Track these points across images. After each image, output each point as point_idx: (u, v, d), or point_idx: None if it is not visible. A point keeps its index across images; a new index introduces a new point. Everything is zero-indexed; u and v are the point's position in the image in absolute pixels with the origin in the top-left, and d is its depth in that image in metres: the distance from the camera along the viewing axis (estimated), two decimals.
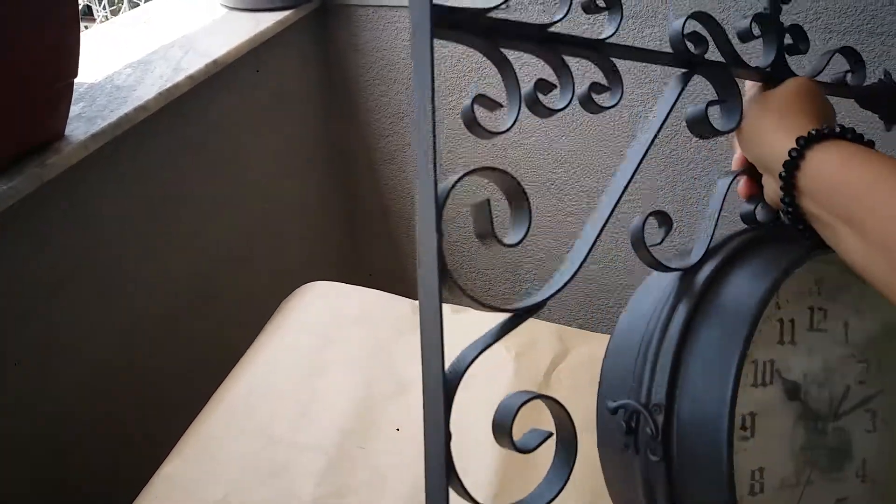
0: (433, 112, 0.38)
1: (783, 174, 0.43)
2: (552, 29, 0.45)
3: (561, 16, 0.45)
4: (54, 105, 0.83)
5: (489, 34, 0.43)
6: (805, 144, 0.42)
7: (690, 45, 0.49)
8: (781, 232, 0.47)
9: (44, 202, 0.84)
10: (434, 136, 0.38)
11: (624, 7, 0.48)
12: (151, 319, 1.05)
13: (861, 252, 0.39)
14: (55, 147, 0.83)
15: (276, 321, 0.92)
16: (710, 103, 0.48)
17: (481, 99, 0.41)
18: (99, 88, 0.95)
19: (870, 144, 0.43)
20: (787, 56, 0.53)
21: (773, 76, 0.51)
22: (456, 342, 0.65)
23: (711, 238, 0.46)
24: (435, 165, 0.38)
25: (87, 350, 0.94)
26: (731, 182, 0.50)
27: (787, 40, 0.54)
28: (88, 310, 0.94)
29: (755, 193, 0.51)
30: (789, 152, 0.42)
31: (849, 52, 0.55)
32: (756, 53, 0.51)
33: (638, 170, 0.46)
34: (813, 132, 0.42)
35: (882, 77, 0.56)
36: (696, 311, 0.41)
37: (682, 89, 0.49)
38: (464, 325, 0.77)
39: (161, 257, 1.06)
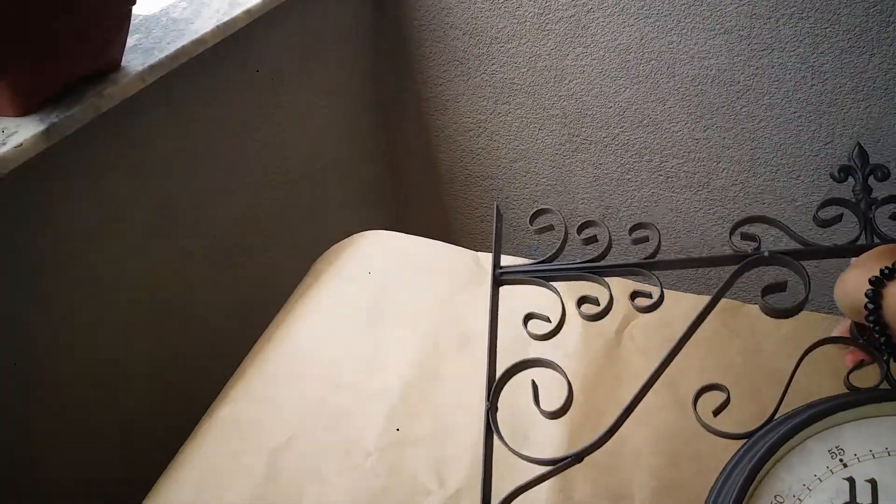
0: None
1: (869, 317, 0.45)
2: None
3: (599, 253, 0.58)
4: (113, 33, 0.81)
5: (544, 278, 0.58)
6: (877, 282, 0.45)
7: (745, 245, 0.54)
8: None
9: (99, 134, 0.84)
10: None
11: None
12: (200, 260, 1.07)
13: None
14: (112, 78, 0.81)
15: (329, 268, 0.91)
16: (765, 291, 0.52)
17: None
18: (154, 20, 0.92)
19: None
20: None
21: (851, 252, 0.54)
22: (522, 295, 0.70)
23: (777, 408, 0.49)
24: None
25: (133, 290, 0.96)
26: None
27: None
28: (136, 248, 0.95)
29: (859, 360, 0.52)
30: (866, 293, 0.45)
31: None
32: None
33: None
34: (885, 269, 0.45)
35: None
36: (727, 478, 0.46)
37: (738, 278, 0.55)
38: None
39: (209, 197, 1.06)
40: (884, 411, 0.47)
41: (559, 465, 0.52)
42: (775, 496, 0.45)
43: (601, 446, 0.54)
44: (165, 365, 1.04)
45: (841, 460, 0.46)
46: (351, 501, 0.64)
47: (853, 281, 0.48)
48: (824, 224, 0.57)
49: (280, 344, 0.81)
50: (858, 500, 0.44)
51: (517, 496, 0.52)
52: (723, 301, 0.78)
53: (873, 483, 0.45)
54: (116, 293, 0.93)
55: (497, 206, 0.67)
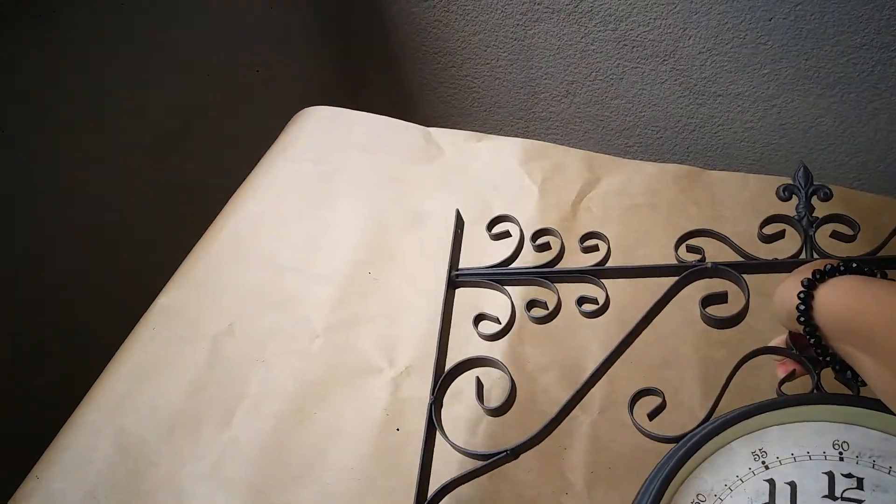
0: None
1: (800, 318, 0.46)
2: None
3: (552, 258, 0.62)
4: None
5: (498, 281, 0.62)
6: (810, 284, 0.46)
7: (690, 257, 0.58)
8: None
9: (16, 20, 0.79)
10: None
11: None
12: (138, 149, 1.01)
13: (882, 380, 0.42)
14: None
15: (276, 148, 0.89)
16: (705, 301, 0.54)
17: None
18: None
19: (871, 273, 0.46)
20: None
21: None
22: (476, 171, 0.81)
23: (710, 412, 0.50)
24: None
25: (68, 187, 0.90)
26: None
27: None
28: (68, 141, 0.89)
29: (791, 370, 0.54)
30: (798, 294, 0.46)
31: None
32: None
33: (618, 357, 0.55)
34: (817, 273, 0.46)
35: None
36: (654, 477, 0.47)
37: (678, 290, 0.57)
38: (485, 152, 0.84)
39: (144, 83, 0.99)
40: (808, 417, 0.48)
41: (493, 461, 0.53)
42: (697, 495, 0.46)
43: (539, 442, 0.56)
44: (108, 257, 0.99)
45: (763, 462, 0.47)
46: (298, 383, 0.65)
47: (788, 288, 0.49)
48: (767, 240, 0.59)
49: (221, 229, 0.79)
50: (777, 501, 0.46)
51: (452, 489, 0.54)
52: (680, 168, 0.83)
53: (793, 485, 0.46)
54: (44, 188, 0.88)
55: (458, 212, 0.70)
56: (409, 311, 0.72)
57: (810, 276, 0.46)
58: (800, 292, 0.46)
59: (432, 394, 0.57)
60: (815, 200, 0.59)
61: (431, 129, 0.93)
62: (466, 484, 0.57)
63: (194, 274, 0.75)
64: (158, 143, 1.04)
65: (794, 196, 0.59)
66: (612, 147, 1.39)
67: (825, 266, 0.47)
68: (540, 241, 0.64)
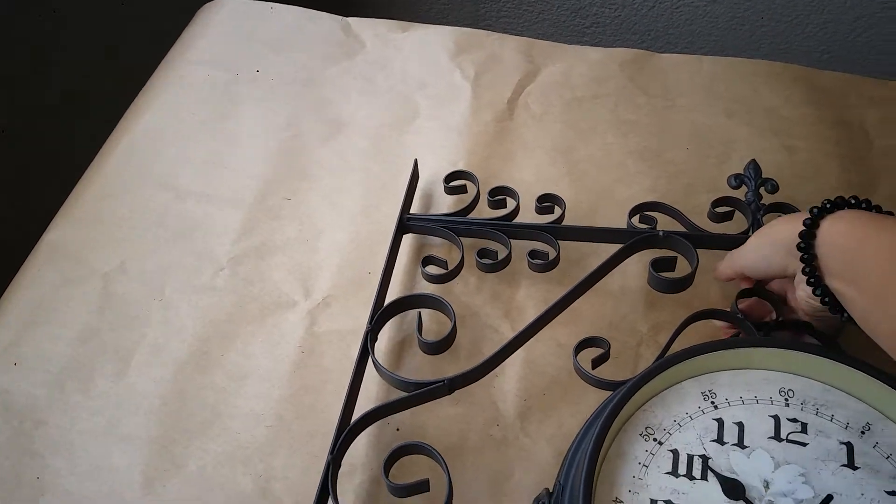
0: None
1: (801, 245, 0.45)
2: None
3: (508, 210, 0.61)
4: None
5: (452, 230, 0.60)
6: (817, 214, 0.45)
7: (641, 226, 0.59)
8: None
9: None
10: None
11: None
12: (18, 52, 0.88)
13: (865, 312, 0.42)
14: None
15: (175, 50, 0.79)
16: (654, 263, 0.56)
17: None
18: None
19: (879, 209, 0.46)
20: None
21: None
22: (401, 67, 0.75)
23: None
24: None
25: None
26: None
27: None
28: None
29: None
30: (804, 221, 0.45)
31: None
32: None
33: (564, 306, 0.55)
34: (826, 202, 0.45)
35: None
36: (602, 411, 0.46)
37: (627, 255, 0.58)
38: (411, 44, 0.79)
39: None
40: (755, 364, 0.47)
41: (426, 390, 0.50)
42: (646, 428, 0.45)
43: (477, 380, 0.53)
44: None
45: (713, 402, 0.46)
46: (201, 323, 0.59)
47: (784, 224, 0.48)
48: (717, 219, 0.60)
49: (114, 149, 0.69)
50: (725, 438, 0.45)
51: (378, 418, 0.51)
52: (628, 52, 0.79)
53: (740, 425, 0.45)
54: None
55: (415, 162, 0.66)
56: (327, 234, 0.65)
57: (819, 206, 0.45)
58: (805, 219, 0.45)
59: (370, 322, 0.54)
60: (762, 192, 0.60)
61: (351, 20, 0.82)
62: (390, 420, 0.53)
63: (83, 204, 0.67)
64: (40, 54, 0.91)
65: (743, 185, 0.61)
66: (568, 30, 1.28)
67: (834, 199, 0.46)
68: (497, 197, 0.63)
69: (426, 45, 0.79)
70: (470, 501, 0.50)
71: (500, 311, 0.60)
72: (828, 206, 0.45)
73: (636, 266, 0.60)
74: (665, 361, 0.46)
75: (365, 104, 0.74)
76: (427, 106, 0.74)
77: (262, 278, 0.61)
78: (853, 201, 0.46)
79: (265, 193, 0.67)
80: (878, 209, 0.46)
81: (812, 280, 0.45)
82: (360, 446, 0.52)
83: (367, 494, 0.50)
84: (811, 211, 0.45)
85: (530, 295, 0.60)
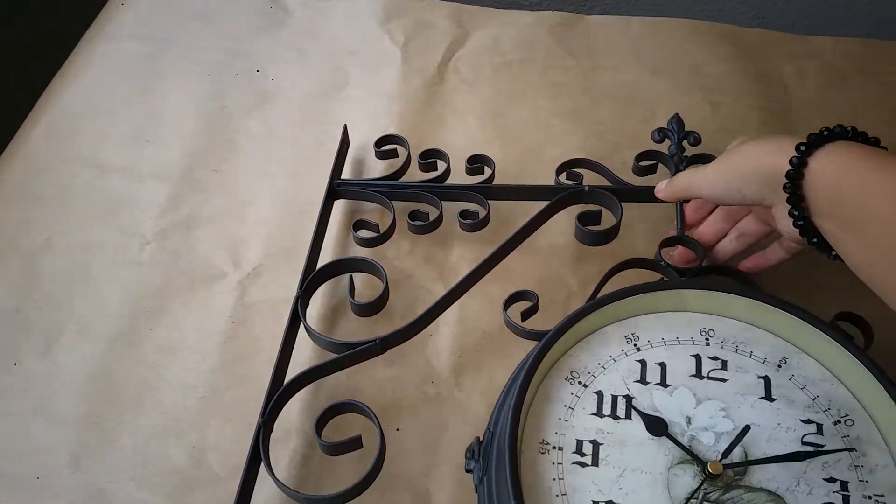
0: None
1: (787, 186, 0.41)
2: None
3: (439, 173, 0.62)
4: None
5: (383, 194, 0.60)
6: (806, 150, 0.41)
7: (568, 182, 0.60)
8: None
9: None
10: None
11: None
12: None
13: (865, 260, 0.39)
14: None
15: (96, 25, 0.77)
16: (581, 217, 0.56)
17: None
18: None
19: (875, 142, 0.42)
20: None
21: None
22: (330, 35, 0.74)
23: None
24: None
25: None
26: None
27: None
28: None
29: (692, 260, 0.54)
30: (791, 160, 0.41)
31: None
32: None
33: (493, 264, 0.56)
34: (812, 136, 0.41)
35: None
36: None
37: (555, 211, 0.59)
38: (339, 12, 0.78)
39: None
40: (676, 307, 0.49)
41: (359, 350, 0.50)
42: (571, 372, 0.46)
43: (410, 338, 0.53)
44: None
45: (636, 345, 0.47)
46: (128, 298, 0.58)
47: (762, 149, 0.44)
48: (641, 172, 0.61)
49: (34, 127, 0.68)
50: (648, 378, 0.46)
51: (310, 380, 0.51)
52: (556, 15, 0.79)
53: (663, 366, 0.46)
54: None
55: (345, 128, 0.66)
56: (256, 204, 0.64)
57: (807, 141, 0.41)
58: (793, 157, 0.41)
59: (300, 287, 0.54)
60: (685, 144, 0.61)
61: None
62: (324, 385, 0.53)
63: (4, 181, 0.65)
64: None
65: (666, 139, 0.61)
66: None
67: (820, 131, 0.41)
68: (428, 159, 0.63)
69: (354, 12, 0.78)
70: (405, 457, 0.50)
71: (434, 273, 0.60)
72: (816, 140, 0.41)
73: (565, 223, 0.61)
74: (588, 307, 0.46)
75: (293, 73, 0.73)
76: (357, 73, 0.73)
77: (190, 251, 0.61)
78: (849, 132, 0.41)
79: (192, 166, 0.66)
80: (876, 142, 0.42)
81: (800, 222, 0.42)
82: (294, 412, 0.52)
83: (302, 458, 0.50)
84: (798, 148, 0.41)
85: (463, 255, 0.61)
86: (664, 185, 0.54)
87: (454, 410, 0.53)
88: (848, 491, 0.41)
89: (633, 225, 0.60)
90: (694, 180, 0.49)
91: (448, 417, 0.52)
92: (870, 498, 0.41)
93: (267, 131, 0.69)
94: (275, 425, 0.49)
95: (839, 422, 0.43)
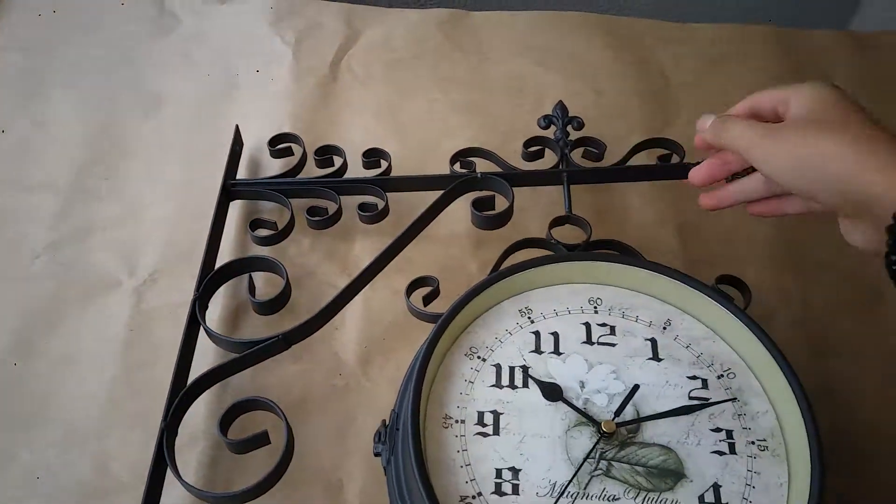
0: None
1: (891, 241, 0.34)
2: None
3: (336, 168, 0.62)
4: None
5: (280, 192, 0.60)
6: None
7: (463, 171, 0.61)
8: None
9: None
10: None
11: None
12: None
13: None
14: None
15: None
16: (475, 203, 0.58)
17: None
18: None
19: None
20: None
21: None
22: (220, 39, 0.74)
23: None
24: None
25: None
26: None
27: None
28: None
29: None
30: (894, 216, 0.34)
31: None
32: None
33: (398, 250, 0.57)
34: None
35: None
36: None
37: (451, 199, 0.60)
38: (228, 15, 0.78)
39: None
40: (566, 279, 0.51)
41: (261, 347, 0.50)
42: (470, 348, 0.47)
43: (314, 331, 0.53)
44: None
45: (529, 318, 0.49)
46: (21, 312, 0.56)
47: (852, 161, 0.36)
48: (530, 158, 0.64)
49: None
50: (542, 348, 0.48)
51: (212, 383, 0.50)
52: (444, 12, 0.81)
53: (556, 335, 0.48)
54: None
55: (237, 128, 0.66)
56: (149, 210, 0.63)
57: None
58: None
59: (197, 290, 0.54)
60: (570, 129, 0.64)
61: None
62: (230, 385, 0.52)
63: None
64: None
65: (552, 125, 0.64)
66: None
67: None
68: (324, 156, 0.63)
69: (244, 15, 0.78)
70: (315, 451, 0.50)
71: (337, 268, 0.60)
72: None
73: (462, 211, 0.63)
74: (483, 283, 0.48)
75: (184, 79, 0.72)
76: (248, 75, 0.73)
77: (83, 261, 0.59)
78: None
79: (82, 175, 0.65)
80: None
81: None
82: (201, 416, 0.52)
83: (210, 461, 0.50)
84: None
85: (365, 248, 0.62)
86: (710, 124, 0.45)
87: (363, 400, 0.53)
88: (733, 439, 0.44)
89: (527, 209, 0.62)
90: (752, 146, 0.41)
91: (357, 407, 0.53)
92: (753, 443, 0.43)
93: (159, 137, 0.68)
94: (181, 430, 0.49)
95: (722, 376, 0.46)
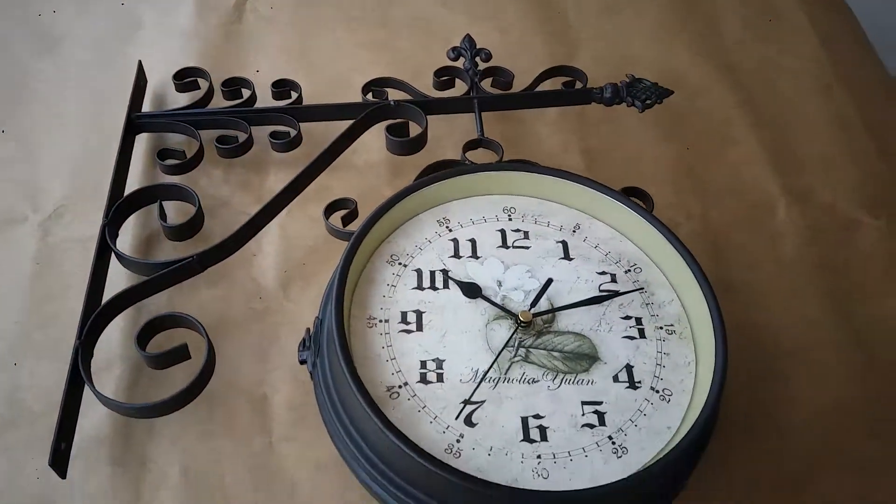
0: None
1: None
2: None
3: (244, 99, 0.62)
4: None
5: (188, 123, 0.59)
6: None
7: (370, 97, 0.62)
8: None
9: None
10: None
11: None
12: None
13: None
14: None
15: None
16: (388, 127, 0.59)
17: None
18: None
19: None
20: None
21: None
22: None
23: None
24: None
25: None
26: None
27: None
28: None
29: None
30: None
31: None
32: None
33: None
34: None
35: None
36: None
37: (365, 126, 0.61)
38: None
39: None
40: (481, 190, 0.53)
41: (175, 267, 0.50)
42: (391, 255, 0.48)
43: (230, 254, 0.53)
44: None
45: (447, 227, 0.51)
46: None
47: None
48: (441, 87, 0.65)
49: None
50: (461, 253, 0.49)
51: (125, 305, 0.49)
52: None
53: (473, 241, 0.50)
54: None
55: (139, 63, 0.65)
56: (50, 148, 0.61)
57: None
58: None
59: (106, 216, 0.53)
60: (478, 60, 0.65)
61: None
62: (145, 310, 0.51)
63: None
64: None
65: (461, 56, 0.65)
66: None
67: None
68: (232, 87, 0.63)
69: None
70: (237, 368, 0.50)
71: (251, 198, 0.60)
72: None
73: (377, 141, 0.63)
74: (402, 191, 0.49)
75: (81, 17, 0.70)
76: (150, 15, 0.71)
77: None
78: None
79: None
80: None
81: None
82: (115, 341, 0.51)
83: (129, 382, 0.49)
84: None
85: (279, 179, 0.61)
86: None
87: (284, 320, 0.53)
88: (642, 325, 0.46)
89: (440, 138, 0.63)
90: None
91: (279, 328, 0.53)
92: (661, 328, 0.46)
93: (57, 74, 0.65)
94: (96, 354, 0.48)
95: (629, 270, 0.49)
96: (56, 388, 0.47)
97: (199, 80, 0.63)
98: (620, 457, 0.41)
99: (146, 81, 0.65)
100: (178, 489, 0.45)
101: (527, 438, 0.41)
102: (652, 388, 0.44)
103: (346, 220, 0.55)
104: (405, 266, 0.48)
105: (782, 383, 0.53)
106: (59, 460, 0.42)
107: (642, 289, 0.48)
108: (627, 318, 0.47)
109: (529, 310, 0.46)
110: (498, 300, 0.46)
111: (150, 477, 0.45)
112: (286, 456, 0.47)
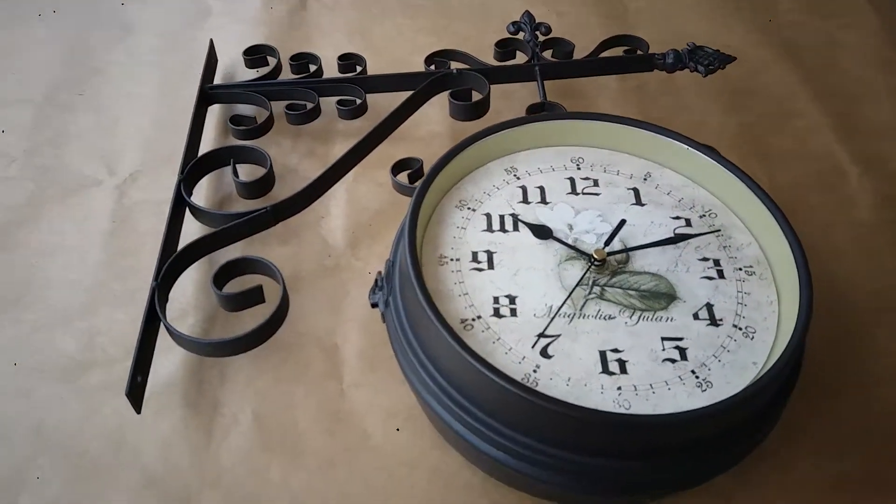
0: None
1: None
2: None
3: (312, 72, 0.63)
4: None
5: (260, 93, 0.60)
6: None
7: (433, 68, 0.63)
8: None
9: None
10: None
11: None
12: None
13: None
14: None
15: None
16: (452, 93, 0.60)
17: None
18: None
19: None
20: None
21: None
22: None
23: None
24: None
25: None
26: None
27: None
28: None
29: None
30: None
31: None
32: None
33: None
34: None
35: None
36: None
37: (429, 94, 0.62)
38: None
39: None
40: (548, 141, 0.52)
41: (249, 218, 0.50)
42: (460, 200, 0.48)
43: (302, 209, 0.54)
44: None
45: (515, 175, 0.51)
46: (2, 209, 0.56)
47: None
48: (501, 58, 0.66)
49: None
50: (530, 199, 0.49)
51: (201, 254, 0.50)
52: None
53: (542, 188, 0.50)
54: None
55: (211, 41, 0.67)
56: (126, 120, 0.63)
57: None
58: None
59: (181, 173, 0.54)
60: (538, 33, 0.66)
61: None
62: (218, 262, 0.52)
63: None
64: None
65: (521, 31, 0.66)
66: None
67: None
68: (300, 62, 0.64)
69: None
70: (310, 318, 0.50)
71: (318, 165, 0.61)
72: None
73: (440, 114, 0.64)
74: (469, 139, 0.49)
75: (153, 8, 0.73)
76: (218, 4, 0.74)
77: (61, 165, 0.59)
78: None
79: (55, 91, 0.65)
80: None
81: None
82: (189, 292, 0.51)
83: (202, 331, 0.50)
84: None
85: (345, 149, 0.61)
86: None
87: (354, 276, 0.53)
88: (720, 266, 0.45)
89: (502, 109, 0.64)
90: None
91: (348, 283, 0.53)
92: (741, 269, 0.45)
93: (132, 59, 0.68)
94: (170, 304, 0.48)
95: (704, 215, 0.48)
96: (132, 334, 0.48)
97: (269, 57, 0.65)
98: (705, 390, 0.40)
99: (217, 60, 0.67)
100: (250, 432, 0.45)
101: (606, 371, 0.40)
102: (735, 326, 0.42)
103: (413, 179, 0.55)
104: (474, 210, 0.48)
105: (867, 340, 0.51)
106: (136, 393, 0.43)
107: (719, 230, 0.47)
108: (705, 259, 0.46)
109: (603, 248, 0.45)
110: (570, 242, 0.46)
111: (222, 420, 0.46)
112: (357, 401, 0.47)
